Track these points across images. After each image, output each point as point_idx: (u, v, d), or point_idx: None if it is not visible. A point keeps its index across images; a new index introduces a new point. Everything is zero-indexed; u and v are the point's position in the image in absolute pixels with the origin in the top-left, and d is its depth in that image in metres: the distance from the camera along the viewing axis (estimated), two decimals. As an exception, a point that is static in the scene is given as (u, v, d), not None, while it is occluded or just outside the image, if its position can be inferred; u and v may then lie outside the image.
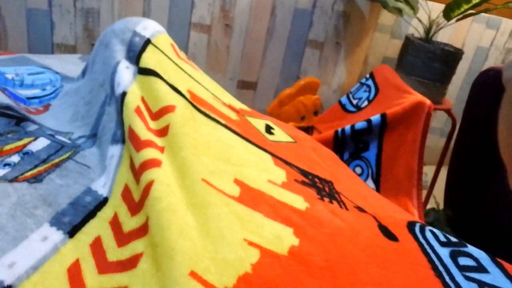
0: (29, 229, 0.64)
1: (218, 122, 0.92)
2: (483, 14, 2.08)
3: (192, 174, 0.75)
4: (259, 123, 1.07)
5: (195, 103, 0.92)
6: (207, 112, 0.93)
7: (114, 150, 0.83)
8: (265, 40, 1.86)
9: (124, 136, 0.82)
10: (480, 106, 1.44)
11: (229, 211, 0.70)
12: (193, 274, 0.59)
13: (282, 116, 1.89)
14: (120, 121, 0.84)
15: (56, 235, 0.64)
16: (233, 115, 1.01)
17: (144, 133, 0.80)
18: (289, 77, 1.95)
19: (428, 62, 1.68)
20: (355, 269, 0.70)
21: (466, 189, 1.52)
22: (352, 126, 1.33)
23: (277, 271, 0.62)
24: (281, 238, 0.68)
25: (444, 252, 0.83)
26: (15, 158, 0.79)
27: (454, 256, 0.83)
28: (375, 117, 1.30)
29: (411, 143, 1.31)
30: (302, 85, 1.89)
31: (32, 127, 0.91)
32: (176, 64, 0.99)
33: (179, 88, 0.92)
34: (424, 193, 1.72)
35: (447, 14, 1.60)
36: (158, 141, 0.81)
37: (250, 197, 0.75)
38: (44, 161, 0.80)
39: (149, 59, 0.93)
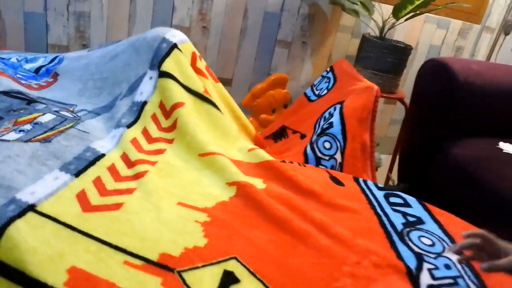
0: (44, 173, 0.83)
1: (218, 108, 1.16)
2: (433, 15, 2.32)
3: (190, 153, 0.99)
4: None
5: (207, 96, 1.15)
6: (214, 102, 1.16)
7: (117, 132, 1.04)
8: (238, 40, 2.07)
9: (132, 124, 1.04)
10: (423, 88, 1.68)
11: (212, 171, 0.93)
12: (181, 203, 0.80)
13: (255, 109, 2.10)
14: (131, 115, 1.06)
15: (65, 176, 0.84)
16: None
17: (155, 133, 1.03)
18: (261, 73, 2.16)
19: (381, 56, 1.90)
20: (308, 201, 0.92)
21: (415, 161, 1.74)
22: (314, 127, 1.51)
23: (254, 197, 0.84)
24: (256, 183, 0.91)
25: (379, 194, 1.05)
26: (27, 127, 0.99)
27: (387, 196, 1.05)
28: (335, 118, 1.47)
29: (364, 122, 1.52)
30: (272, 80, 2.10)
31: (40, 106, 1.11)
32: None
33: (192, 87, 1.14)
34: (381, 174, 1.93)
35: (396, 14, 1.83)
36: (168, 135, 1.04)
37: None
38: (51, 129, 1.00)
39: (168, 63, 1.15)
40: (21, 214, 0.68)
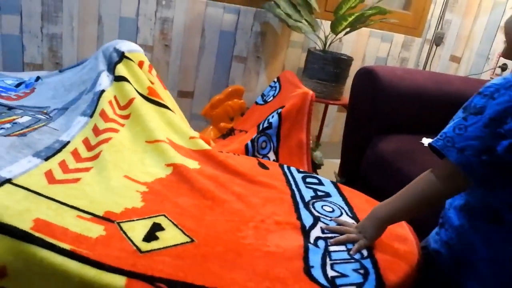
0: (19, 158, 1.04)
1: (163, 106, 1.39)
2: (377, 30, 2.60)
3: (138, 139, 1.21)
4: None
5: (151, 97, 1.38)
6: (158, 100, 1.39)
7: (81, 119, 1.25)
8: (198, 57, 2.31)
9: (93, 113, 1.25)
10: (355, 92, 1.93)
11: (154, 154, 1.15)
12: (126, 176, 1.02)
13: (214, 118, 2.33)
14: (93, 105, 1.27)
15: (37, 160, 1.05)
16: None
17: (111, 114, 1.25)
18: (219, 86, 2.39)
19: (324, 67, 2.16)
20: (232, 178, 1.14)
21: (351, 158, 1.98)
22: (258, 127, 1.75)
23: (186, 175, 1.06)
24: (190, 164, 1.13)
25: (298, 176, 1.27)
26: (7, 125, 1.20)
27: (304, 177, 1.28)
28: (274, 118, 1.72)
29: (300, 123, 1.76)
30: (230, 91, 2.34)
31: (18, 111, 1.32)
32: (139, 72, 1.44)
33: (139, 90, 1.37)
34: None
35: (333, 29, 2.09)
36: (121, 120, 1.26)
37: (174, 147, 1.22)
38: (27, 127, 1.21)
39: (121, 68, 1.38)
40: (0, 185, 0.89)
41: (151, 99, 1.38)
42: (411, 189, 0.91)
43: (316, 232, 0.97)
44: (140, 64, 1.43)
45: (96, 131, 1.21)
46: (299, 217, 1.03)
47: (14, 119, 1.24)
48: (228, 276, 0.79)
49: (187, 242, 0.87)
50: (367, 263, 0.88)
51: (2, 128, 1.17)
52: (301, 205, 1.09)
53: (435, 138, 0.86)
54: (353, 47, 2.62)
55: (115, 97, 1.34)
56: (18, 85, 1.55)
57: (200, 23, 2.24)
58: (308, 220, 1.02)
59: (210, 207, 1.00)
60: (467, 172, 0.80)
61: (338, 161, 2.35)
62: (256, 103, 2.02)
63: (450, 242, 0.94)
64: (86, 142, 1.16)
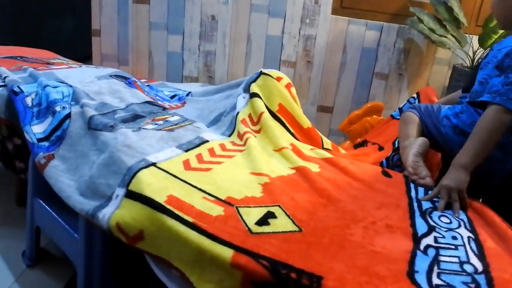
0: (165, 148, 1.22)
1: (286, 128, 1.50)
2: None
3: (267, 147, 1.33)
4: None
5: (278, 114, 1.50)
6: (283, 120, 1.51)
7: (222, 138, 1.40)
8: (339, 73, 2.37)
9: (231, 135, 1.41)
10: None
11: (280, 158, 1.26)
12: (252, 173, 1.13)
13: (351, 133, 2.34)
14: (231, 128, 1.44)
15: (178, 151, 1.21)
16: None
17: (243, 130, 1.38)
18: (359, 102, 2.41)
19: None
20: (350, 182, 1.17)
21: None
22: (393, 144, 1.73)
23: (306, 174, 1.13)
24: (312, 167, 1.21)
25: (421, 189, 1.24)
26: (160, 122, 1.40)
27: (426, 190, 1.24)
28: None
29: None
30: (368, 107, 2.33)
31: (170, 111, 1.53)
32: (275, 87, 1.55)
33: (269, 105, 1.50)
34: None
35: (482, 44, 1.97)
36: (254, 133, 1.39)
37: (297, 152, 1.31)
38: (176, 125, 1.40)
39: (255, 86, 1.53)
40: (147, 166, 1.06)
41: (278, 117, 1.48)
42: (482, 130, 1.12)
43: (428, 240, 0.94)
44: (278, 79, 1.55)
45: (233, 143, 1.35)
46: (413, 224, 1.00)
47: (166, 118, 1.44)
48: (328, 265, 0.81)
49: (295, 231, 0.92)
50: (481, 278, 0.82)
51: (156, 124, 1.37)
52: (417, 213, 1.06)
53: (488, 95, 1.14)
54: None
55: (249, 115, 1.48)
56: (172, 97, 1.79)
57: (342, 40, 2.30)
58: (422, 228, 0.98)
59: (324, 204, 1.04)
60: None
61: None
62: (392, 116, 1.99)
63: None
64: (222, 146, 1.31)
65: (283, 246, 0.85)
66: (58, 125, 1.37)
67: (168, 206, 0.92)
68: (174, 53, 2.25)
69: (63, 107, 1.42)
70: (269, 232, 0.90)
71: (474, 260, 0.87)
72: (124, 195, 1.00)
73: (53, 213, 1.30)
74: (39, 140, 1.33)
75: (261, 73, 1.56)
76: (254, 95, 1.50)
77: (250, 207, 0.99)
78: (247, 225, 0.91)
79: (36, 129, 1.37)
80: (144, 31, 2.25)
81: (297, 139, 1.47)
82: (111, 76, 1.73)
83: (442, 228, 1.00)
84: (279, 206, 1.00)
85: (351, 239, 0.92)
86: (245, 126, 1.41)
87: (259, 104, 1.47)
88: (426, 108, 1.46)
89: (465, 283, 0.80)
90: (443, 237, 0.97)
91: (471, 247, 0.93)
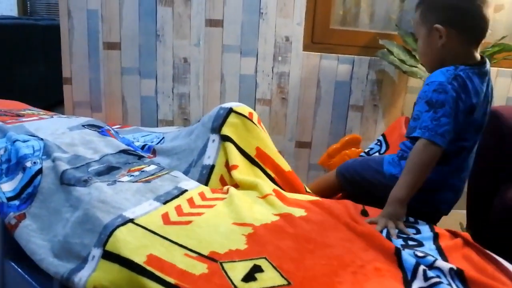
0: (142, 201, 1.17)
1: (267, 174, 1.43)
2: (506, 69, 2.42)
3: (251, 195, 1.29)
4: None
5: (257, 159, 1.42)
6: (263, 167, 1.44)
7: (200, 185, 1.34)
8: (314, 107, 2.37)
9: (206, 184, 1.35)
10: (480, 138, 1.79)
11: (264, 205, 1.22)
12: (234, 223, 1.09)
13: (331, 167, 2.33)
14: (203, 180, 1.37)
15: (156, 203, 1.17)
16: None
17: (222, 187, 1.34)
18: (337, 135, 2.41)
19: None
20: (337, 226, 1.14)
21: (477, 208, 1.83)
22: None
23: (290, 221, 1.10)
24: (297, 212, 1.18)
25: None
26: (136, 173, 1.36)
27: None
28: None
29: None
30: (346, 140, 2.33)
31: (146, 160, 1.49)
32: (250, 126, 1.46)
33: (246, 149, 1.42)
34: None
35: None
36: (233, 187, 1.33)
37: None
38: (152, 175, 1.36)
39: (228, 126, 1.42)
40: (124, 223, 1.02)
41: (257, 163, 1.42)
42: (413, 164, 1.22)
43: (418, 283, 0.92)
44: (250, 115, 1.49)
45: (213, 191, 1.31)
46: (400, 265, 0.98)
47: (142, 168, 1.40)
48: None
49: (284, 285, 0.88)
50: None
51: (132, 175, 1.33)
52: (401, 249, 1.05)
53: (419, 131, 1.22)
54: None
55: (225, 164, 1.40)
56: (143, 147, 1.73)
57: (315, 75, 2.32)
58: (409, 263, 0.96)
59: (311, 251, 1.01)
60: (445, 147, 1.21)
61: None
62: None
63: None
64: (202, 194, 1.27)
65: (273, 304, 0.82)
66: (29, 181, 1.31)
67: (147, 268, 0.88)
68: (147, 97, 2.23)
69: (34, 162, 1.37)
70: None
71: None
72: (101, 256, 0.95)
73: (26, 275, 1.23)
74: (9, 199, 1.27)
75: (231, 110, 1.46)
76: (225, 138, 1.42)
77: (235, 261, 0.95)
78: (233, 283, 0.87)
79: (6, 187, 1.31)
80: (116, 77, 2.23)
81: (278, 185, 1.42)
82: (83, 126, 1.69)
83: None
84: (265, 258, 0.97)
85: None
86: (221, 183, 1.38)
87: (234, 153, 1.40)
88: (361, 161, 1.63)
89: None
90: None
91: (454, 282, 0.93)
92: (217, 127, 1.45)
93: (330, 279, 0.91)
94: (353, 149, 2.36)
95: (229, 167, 1.39)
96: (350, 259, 0.99)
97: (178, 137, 1.69)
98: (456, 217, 2.04)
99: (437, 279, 0.90)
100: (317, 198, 1.34)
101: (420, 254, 1.01)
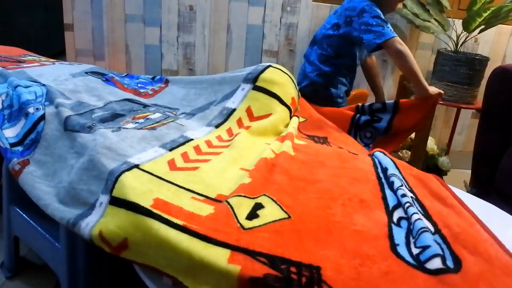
0: (148, 148, 1.15)
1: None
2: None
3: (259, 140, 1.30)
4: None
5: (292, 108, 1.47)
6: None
7: (206, 129, 1.34)
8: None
9: (219, 126, 1.35)
10: (491, 96, 1.75)
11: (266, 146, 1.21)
12: (242, 169, 1.08)
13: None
14: (220, 119, 1.38)
15: (162, 150, 1.15)
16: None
17: (236, 130, 1.33)
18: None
19: (455, 69, 2.01)
20: (323, 164, 1.17)
21: (484, 167, 1.81)
22: (370, 105, 1.69)
23: (285, 159, 1.10)
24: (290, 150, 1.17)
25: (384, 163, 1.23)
26: (141, 120, 1.33)
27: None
28: (389, 102, 1.65)
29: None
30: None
31: (152, 108, 1.46)
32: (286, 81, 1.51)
33: (283, 97, 1.45)
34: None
35: (466, 27, 1.94)
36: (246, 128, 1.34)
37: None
38: (157, 122, 1.33)
39: (264, 77, 1.45)
40: (129, 169, 1.00)
41: (291, 109, 1.47)
42: (408, 60, 1.60)
43: (399, 213, 0.98)
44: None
45: (219, 138, 1.29)
46: (384, 197, 1.04)
47: (147, 115, 1.37)
48: (322, 253, 0.82)
49: (284, 218, 0.91)
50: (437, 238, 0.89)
51: (137, 123, 1.30)
52: (385, 186, 1.10)
53: (378, 36, 1.63)
54: (491, 47, 2.40)
55: (247, 109, 1.41)
56: (153, 78, 1.71)
57: (324, 27, 2.25)
58: (392, 200, 1.03)
59: (303, 187, 1.05)
60: None
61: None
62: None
63: None
64: (208, 142, 1.24)
65: (276, 239, 0.84)
66: (32, 127, 1.29)
67: (155, 210, 0.87)
68: (152, 46, 2.17)
69: (37, 108, 1.34)
70: (260, 225, 0.88)
71: (426, 222, 0.94)
72: (108, 202, 0.94)
73: (31, 221, 1.23)
74: (12, 145, 1.25)
75: (270, 66, 1.50)
76: (258, 88, 1.44)
77: (240, 196, 0.95)
78: (239, 221, 0.88)
79: (8, 133, 1.29)
80: (119, 24, 2.17)
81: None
82: (86, 73, 1.64)
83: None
84: (264, 194, 0.98)
85: (335, 220, 0.93)
86: (240, 126, 1.36)
87: (266, 102, 1.43)
88: None
89: (435, 241, 0.87)
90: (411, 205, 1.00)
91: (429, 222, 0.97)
92: (251, 78, 1.47)
93: (324, 212, 0.95)
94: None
95: (252, 115, 1.41)
96: (339, 192, 1.03)
97: (198, 78, 1.71)
98: (461, 176, 2.03)
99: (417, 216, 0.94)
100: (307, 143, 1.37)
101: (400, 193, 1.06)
